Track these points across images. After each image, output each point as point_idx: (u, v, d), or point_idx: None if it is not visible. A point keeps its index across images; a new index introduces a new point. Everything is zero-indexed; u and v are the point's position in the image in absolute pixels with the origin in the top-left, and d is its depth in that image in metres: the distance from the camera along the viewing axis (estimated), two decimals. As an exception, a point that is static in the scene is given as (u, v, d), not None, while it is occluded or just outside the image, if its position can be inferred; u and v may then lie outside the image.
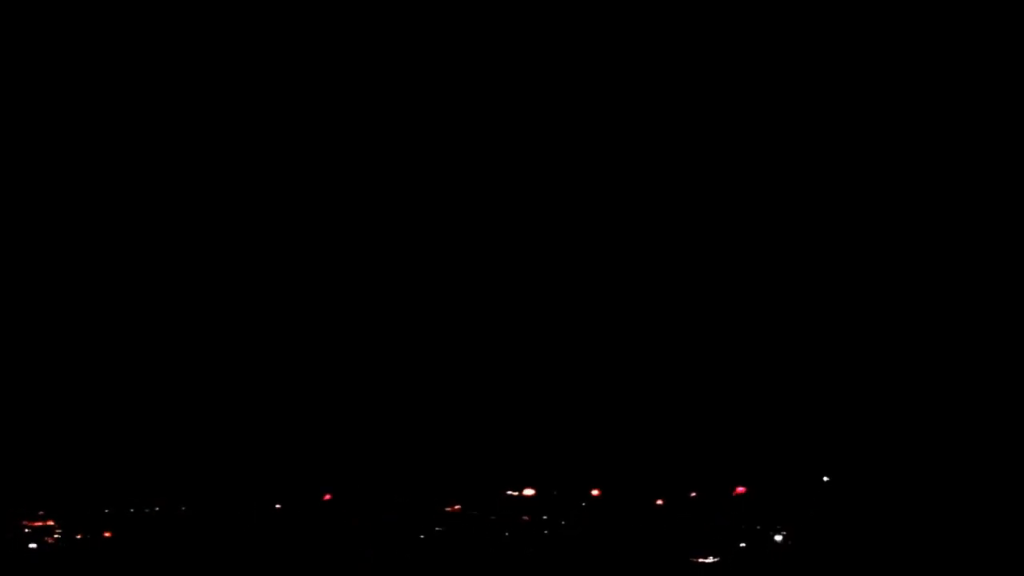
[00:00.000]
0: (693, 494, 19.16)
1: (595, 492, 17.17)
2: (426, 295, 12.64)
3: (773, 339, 12.66)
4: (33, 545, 15.30)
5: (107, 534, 16.11)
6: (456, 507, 21.06)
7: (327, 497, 16.79)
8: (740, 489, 19.22)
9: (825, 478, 16.39)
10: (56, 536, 15.90)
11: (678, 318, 13.02)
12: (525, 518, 19.89)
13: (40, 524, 15.71)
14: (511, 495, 19.81)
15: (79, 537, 16.06)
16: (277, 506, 17.01)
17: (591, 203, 11.63)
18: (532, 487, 19.78)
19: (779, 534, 18.14)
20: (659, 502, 18.71)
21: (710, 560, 16.66)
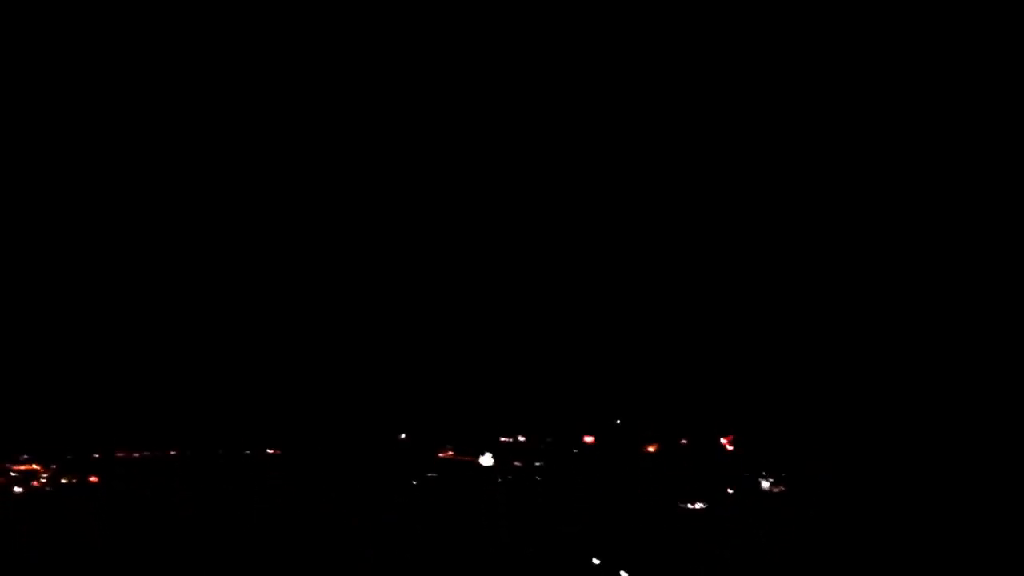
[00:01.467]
0: (684, 441, 19.34)
1: (588, 439, 17.24)
2: (418, 239, 12.48)
3: (765, 288, 12.62)
4: (18, 489, 14.97)
5: (93, 479, 15.86)
6: (449, 452, 21.08)
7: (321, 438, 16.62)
8: (729, 437, 19.40)
9: (814, 427, 16.56)
10: (42, 480, 15.59)
11: (671, 262, 12.93)
12: (517, 463, 19.96)
13: (25, 468, 15.38)
14: (505, 441, 19.85)
15: (64, 482, 15.78)
16: (269, 451, 16.84)
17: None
18: (524, 433, 19.80)
19: (767, 480, 18.44)
20: (650, 449, 18.87)
21: (699, 506, 16.89)
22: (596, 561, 14.34)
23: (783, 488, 16.42)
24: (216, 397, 15.16)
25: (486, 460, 21.55)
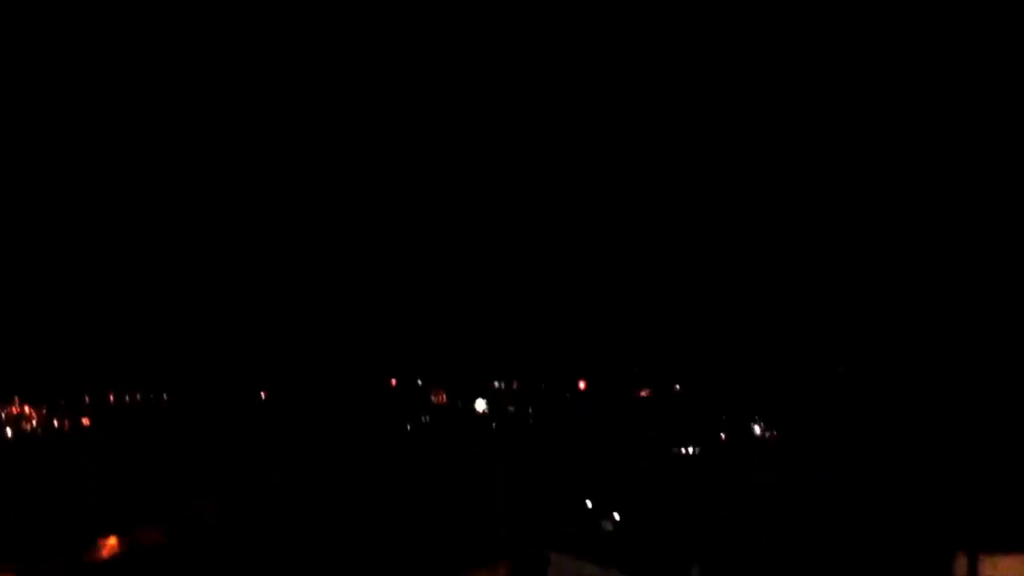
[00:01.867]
0: (677, 387, 19.31)
1: (581, 384, 17.19)
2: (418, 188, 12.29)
3: (758, 227, 12.44)
4: (10, 432, 14.92)
5: (86, 421, 15.81)
6: (442, 397, 20.99)
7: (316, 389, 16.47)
8: (720, 382, 19.39)
9: (804, 372, 16.50)
10: (33, 424, 15.54)
11: (663, 217, 12.72)
12: (511, 409, 19.91)
13: (16, 411, 15.29)
14: (498, 386, 19.73)
15: (56, 425, 15.71)
16: (262, 394, 16.78)
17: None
18: (518, 378, 19.67)
19: (758, 425, 18.47)
20: (643, 394, 18.84)
21: (691, 451, 16.93)
22: (588, 504, 14.44)
23: (774, 433, 16.43)
24: (207, 342, 15.01)
25: (480, 405, 21.49)
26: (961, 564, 3.96)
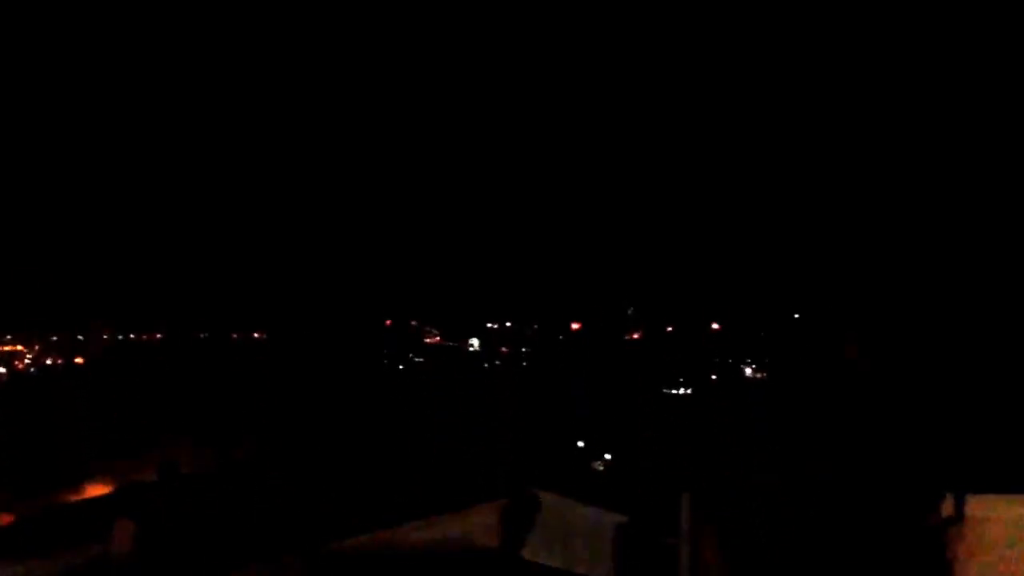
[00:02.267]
0: (669, 328, 19.33)
1: (575, 325, 17.22)
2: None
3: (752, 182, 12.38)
4: (2, 370, 14.91)
5: (79, 360, 15.79)
6: (436, 338, 21.01)
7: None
8: (715, 326, 19.42)
9: (795, 315, 16.52)
10: (27, 361, 15.53)
11: (656, 171, 12.67)
12: (504, 350, 19.96)
13: (9, 348, 15.27)
14: (491, 327, 19.76)
15: (49, 362, 15.69)
16: (256, 335, 16.78)
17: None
18: (511, 319, 19.65)
19: (749, 367, 18.58)
20: (635, 336, 18.88)
21: (683, 392, 17.05)
22: (580, 444, 14.59)
23: (764, 375, 16.53)
24: (202, 282, 14.94)
25: (473, 344, 21.50)
26: (948, 505, 3.98)
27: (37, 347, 17.16)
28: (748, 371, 23.37)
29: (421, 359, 24.10)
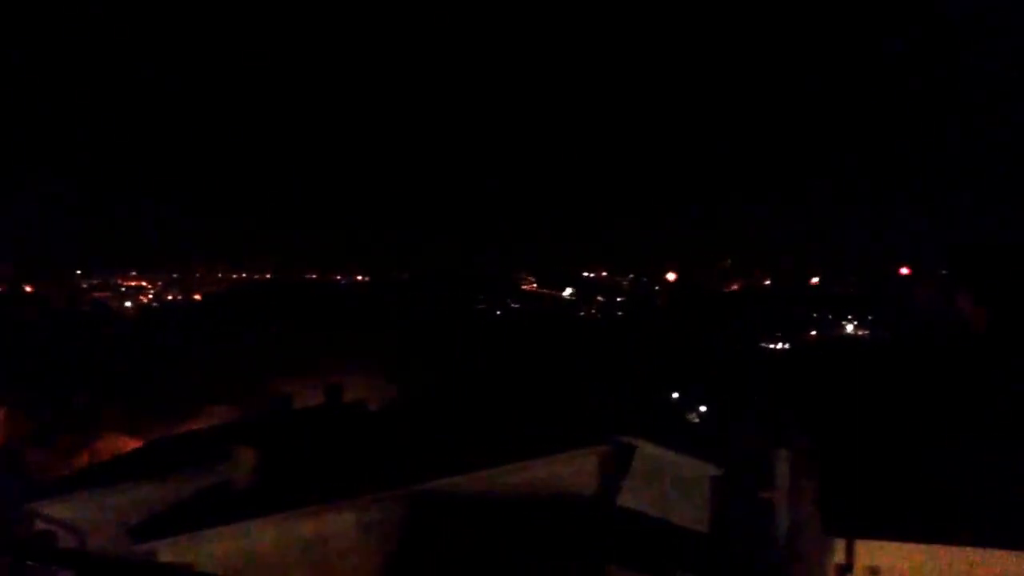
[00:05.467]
0: (767, 282, 18.97)
1: (671, 276, 17.18)
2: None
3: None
4: (128, 304, 15.84)
5: (197, 296, 16.58)
6: (532, 285, 21.23)
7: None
8: (814, 280, 18.97)
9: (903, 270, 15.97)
10: (150, 296, 16.44)
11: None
12: (599, 299, 20.04)
13: (135, 283, 16.20)
14: (587, 276, 19.85)
15: (169, 298, 16.54)
16: (359, 277, 17.31)
17: None
18: (607, 269, 19.72)
19: (851, 324, 18.05)
20: (734, 287, 18.66)
21: (781, 347, 16.82)
22: (675, 395, 14.62)
23: (866, 333, 16.08)
24: (310, 226, 15.40)
25: (567, 292, 21.66)
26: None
27: (160, 283, 18.18)
28: (849, 328, 22.25)
29: (517, 304, 24.22)
